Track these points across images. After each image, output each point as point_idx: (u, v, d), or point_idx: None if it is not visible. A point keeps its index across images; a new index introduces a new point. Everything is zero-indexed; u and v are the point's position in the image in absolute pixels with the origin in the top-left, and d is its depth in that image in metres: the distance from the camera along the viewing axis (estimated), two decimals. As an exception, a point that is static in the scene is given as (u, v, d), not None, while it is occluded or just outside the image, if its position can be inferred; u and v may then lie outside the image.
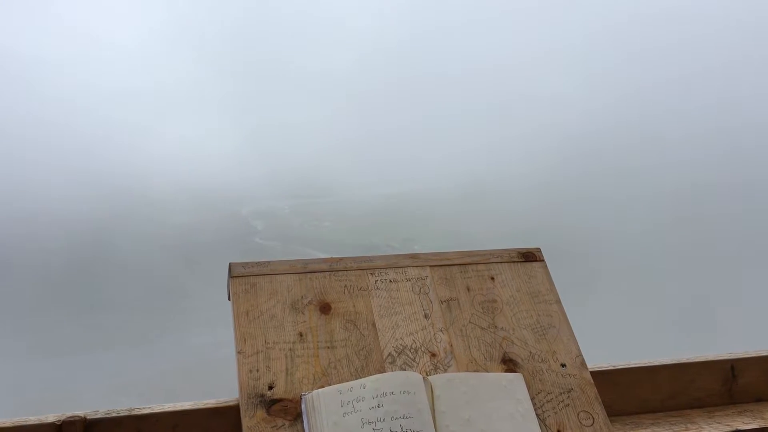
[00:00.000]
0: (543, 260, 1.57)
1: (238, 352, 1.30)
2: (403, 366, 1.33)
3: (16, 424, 1.20)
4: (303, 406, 1.24)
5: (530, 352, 1.40)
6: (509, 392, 1.32)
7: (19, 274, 7.03)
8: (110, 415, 1.24)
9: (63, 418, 1.21)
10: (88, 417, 1.22)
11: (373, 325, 1.38)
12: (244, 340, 1.32)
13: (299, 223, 8.57)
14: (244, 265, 1.43)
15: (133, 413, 1.24)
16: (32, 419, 1.21)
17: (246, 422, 1.20)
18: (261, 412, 1.22)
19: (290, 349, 1.31)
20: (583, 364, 1.40)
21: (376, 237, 7.69)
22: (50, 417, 1.22)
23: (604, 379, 1.51)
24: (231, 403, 1.29)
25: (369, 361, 1.32)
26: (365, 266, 1.47)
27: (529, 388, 1.35)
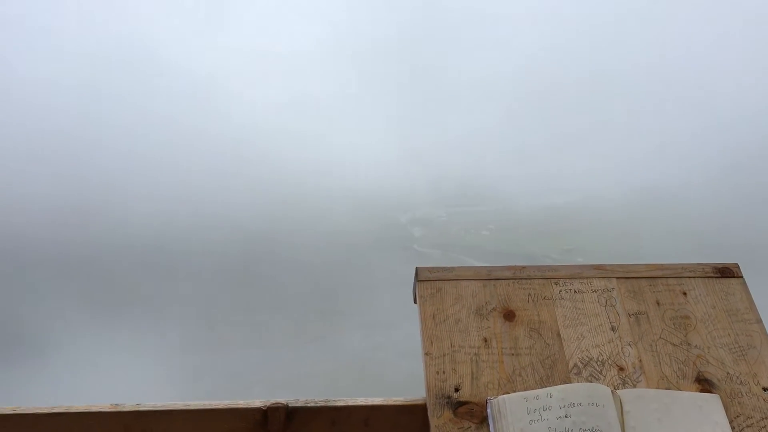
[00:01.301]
0: (741, 276, 1.48)
1: (426, 354, 1.34)
2: (589, 378, 1.31)
3: (228, 406, 1.33)
4: (489, 410, 1.26)
5: (728, 373, 1.33)
6: (705, 414, 1.26)
7: (199, 274, 7.65)
8: (309, 405, 1.33)
9: (268, 404, 1.32)
10: (289, 405, 1.32)
11: (558, 334, 1.38)
12: (431, 342, 1.36)
13: (457, 231, 8.60)
14: (431, 269, 1.48)
15: (329, 404, 1.33)
16: (241, 403, 1.33)
17: (434, 422, 1.25)
18: (448, 413, 1.26)
19: (475, 354, 1.34)
20: (790, 389, 1.30)
21: (535, 247, 7.53)
22: (257, 402, 1.33)
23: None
24: (418, 402, 1.34)
25: (554, 370, 1.32)
26: (549, 275, 1.47)
27: (726, 410, 1.28)
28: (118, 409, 1.32)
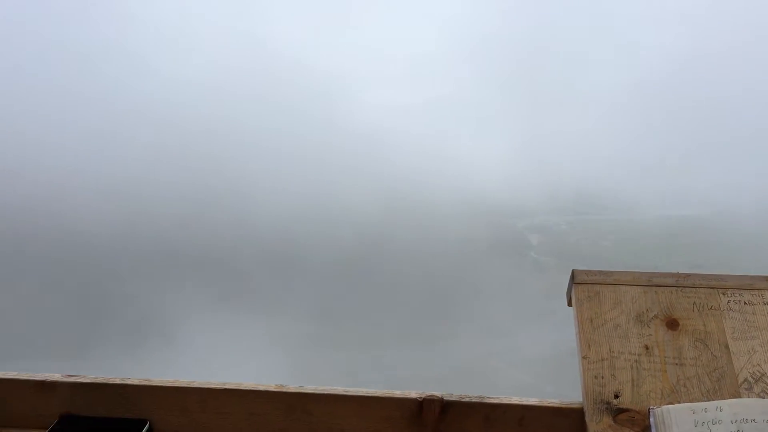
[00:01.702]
0: None
1: (583, 357, 1.33)
2: (761, 394, 1.25)
3: (385, 395, 1.36)
4: (651, 419, 1.23)
5: None
6: None
7: (317, 271, 7.85)
8: (464, 399, 1.35)
9: (424, 395, 1.35)
10: (444, 398, 1.35)
11: (726, 347, 1.32)
12: (589, 346, 1.34)
13: (576, 240, 8.36)
14: (587, 272, 1.46)
15: (484, 400, 1.34)
16: (397, 393, 1.37)
17: (592, 427, 1.23)
18: (607, 419, 1.24)
19: (636, 361, 1.31)
20: None
21: (660, 260, 7.20)
22: (412, 393, 1.36)
23: None
24: (574, 405, 1.33)
25: (722, 384, 1.26)
26: (716, 285, 1.41)
27: None
28: (282, 389, 1.39)
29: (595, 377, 1.29)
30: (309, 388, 1.39)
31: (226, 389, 1.39)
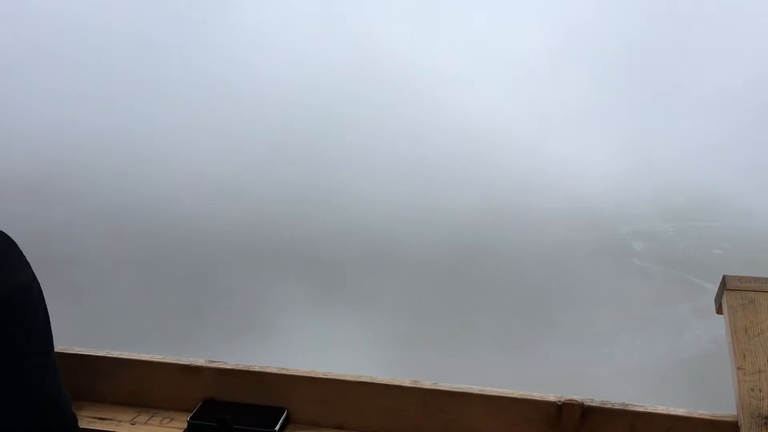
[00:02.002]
0: None
1: (738, 368, 1.25)
2: None
3: (523, 396, 1.34)
4: (818, 438, 1.14)
5: None
6: None
7: (414, 270, 7.85)
8: (605, 406, 1.30)
9: (563, 399, 1.31)
10: (585, 403, 1.30)
11: None
12: (744, 356, 1.27)
13: (683, 248, 7.97)
14: (741, 278, 1.38)
15: (627, 408, 1.29)
16: (535, 395, 1.34)
17: (750, 441, 1.16)
18: (766, 434, 1.16)
19: (798, 375, 1.22)
20: None
21: (778, 271, 6.74)
22: (551, 396, 1.33)
23: None
24: (727, 419, 1.25)
25: None
26: None
27: None
28: (418, 385, 1.39)
29: (752, 390, 1.22)
30: (444, 385, 1.38)
31: (361, 382, 1.41)
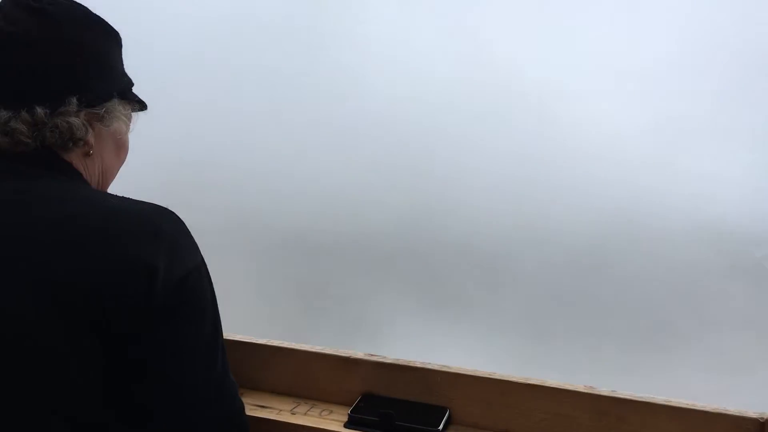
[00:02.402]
0: None
1: None
2: None
3: (716, 410, 1.21)
4: None
5: None
6: None
7: (524, 285, 7.62)
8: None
9: (766, 416, 1.17)
10: (791, 422, 1.16)
11: None
12: None
13: (830, 275, 7.24)
14: None
15: None
16: (731, 410, 1.21)
17: None
18: None
19: None
20: None
21: None
22: (750, 412, 1.19)
23: None
24: None
25: None
26: None
27: None
28: (593, 391, 1.29)
29: None
30: (624, 393, 1.27)
31: (529, 384, 1.32)
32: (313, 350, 1.48)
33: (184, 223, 1.04)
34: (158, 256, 0.94)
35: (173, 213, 1.04)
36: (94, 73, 1.12)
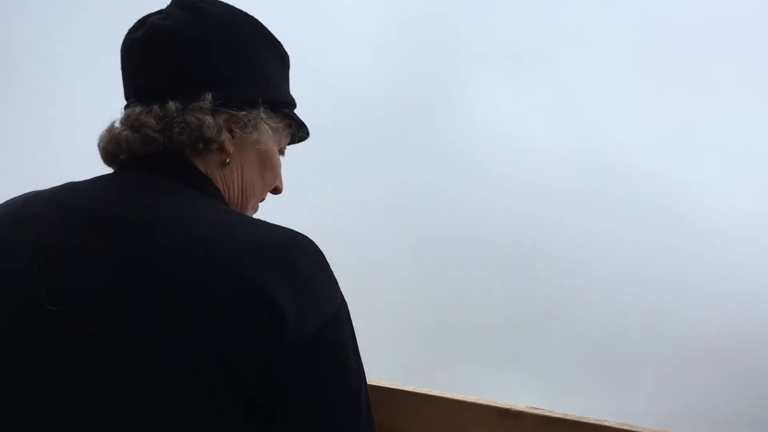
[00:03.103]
0: None
1: None
2: None
3: None
4: None
5: None
6: None
7: (660, 383, 7.03)
8: None
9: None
10: None
11: None
12: None
13: None
14: None
15: None
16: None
17: None
18: None
19: None
20: None
21: None
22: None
23: None
24: None
25: None
26: None
27: None
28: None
29: None
30: None
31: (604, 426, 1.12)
32: (467, 400, 1.33)
33: (323, 255, 0.91)
34: (291, 301, 0.81)
35: (312, 242, 0.91)
36: (242, 76, 1.03)
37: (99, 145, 1.02)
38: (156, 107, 0.97)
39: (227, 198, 1.04)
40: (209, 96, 0.99)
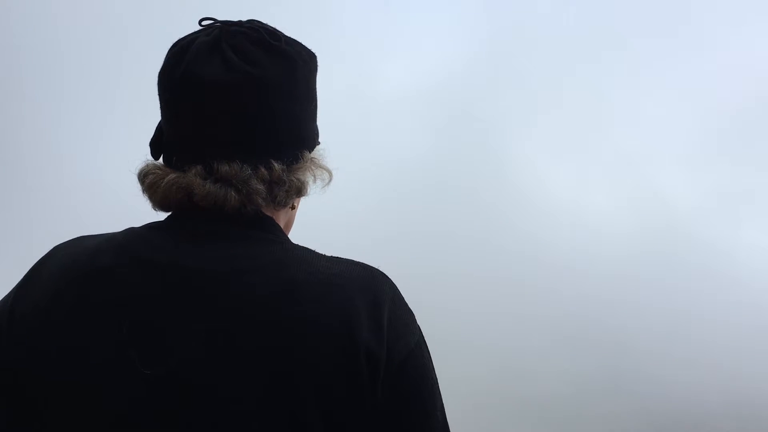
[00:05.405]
0: None
1: None
2: None
3: None
4: None
5: None
6: None
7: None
8: None
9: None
10: None
11: None
12: None
13: None
14: None
15: None
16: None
17: None
18: None
19: None
20: None
21: None
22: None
23: None
24: None
25: None
26: None
27: None
28: None
29: None
30: None
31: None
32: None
33: (396, 287, 0.91)
34: (382, 342, 0.83)
35: (386, 276, 0.91)
36: (315, 118, 1.01)
37: (154, 188, 0.92)
38: (262, 169, 0.89)
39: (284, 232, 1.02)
40: (308, 155, 0.96)
